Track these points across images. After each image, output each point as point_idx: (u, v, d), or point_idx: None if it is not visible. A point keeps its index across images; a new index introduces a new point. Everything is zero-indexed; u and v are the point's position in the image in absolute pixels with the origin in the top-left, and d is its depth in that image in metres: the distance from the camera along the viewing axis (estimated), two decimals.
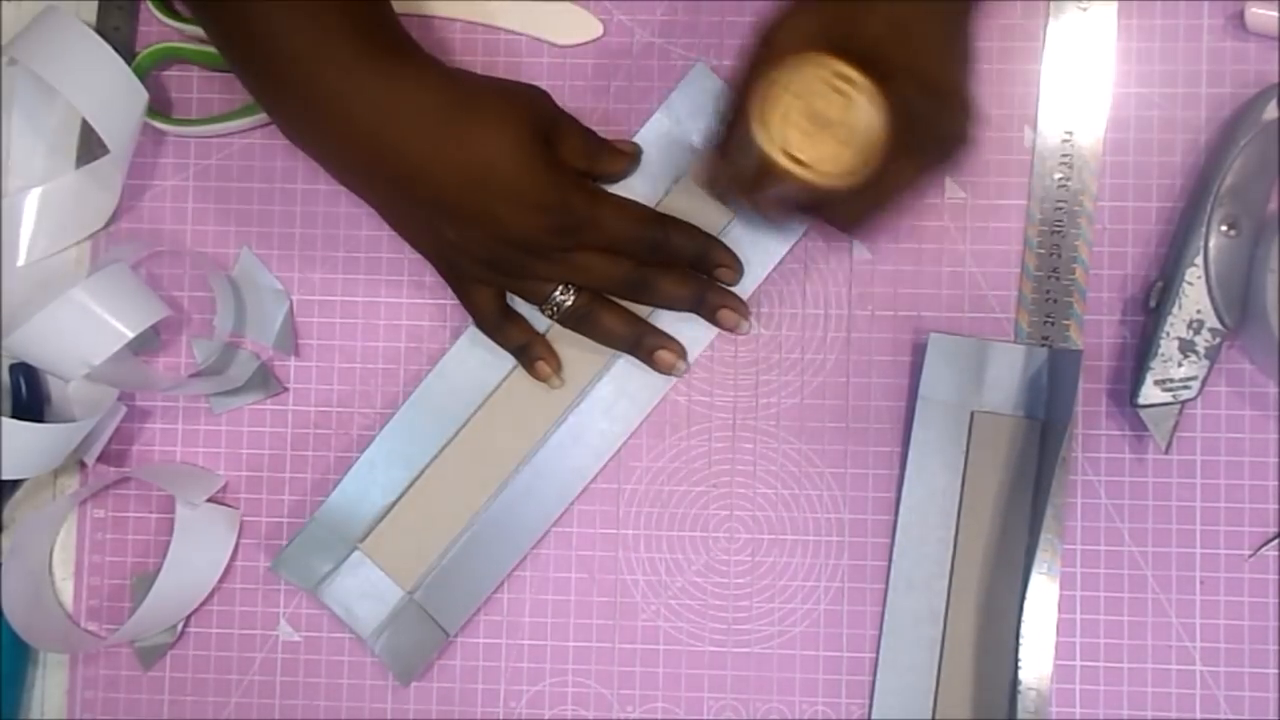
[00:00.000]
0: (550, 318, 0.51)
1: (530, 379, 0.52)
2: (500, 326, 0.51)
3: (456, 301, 0.53)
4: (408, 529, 0.52)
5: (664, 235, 0.50)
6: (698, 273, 0.52)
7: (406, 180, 0.46)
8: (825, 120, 0.41)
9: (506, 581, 0.53)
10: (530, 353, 0.52)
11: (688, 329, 0.52)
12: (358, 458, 0.52)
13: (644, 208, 0.51)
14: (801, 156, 0.41)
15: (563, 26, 0.54)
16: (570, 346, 0.52)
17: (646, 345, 0.51)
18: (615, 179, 0.52)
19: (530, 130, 0.46)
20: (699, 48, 0.53)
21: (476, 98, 0.46)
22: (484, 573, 0.52)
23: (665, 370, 0.52)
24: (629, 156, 0.51)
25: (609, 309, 0.51)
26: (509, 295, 0.51)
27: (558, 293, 0.50)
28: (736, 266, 0.52)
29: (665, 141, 0.52)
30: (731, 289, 0.52)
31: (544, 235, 0.47)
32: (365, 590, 0.52)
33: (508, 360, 0.52)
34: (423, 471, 0.52)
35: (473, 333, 0.52)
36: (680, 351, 0.52)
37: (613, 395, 0.52)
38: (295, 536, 0.52)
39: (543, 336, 0.52)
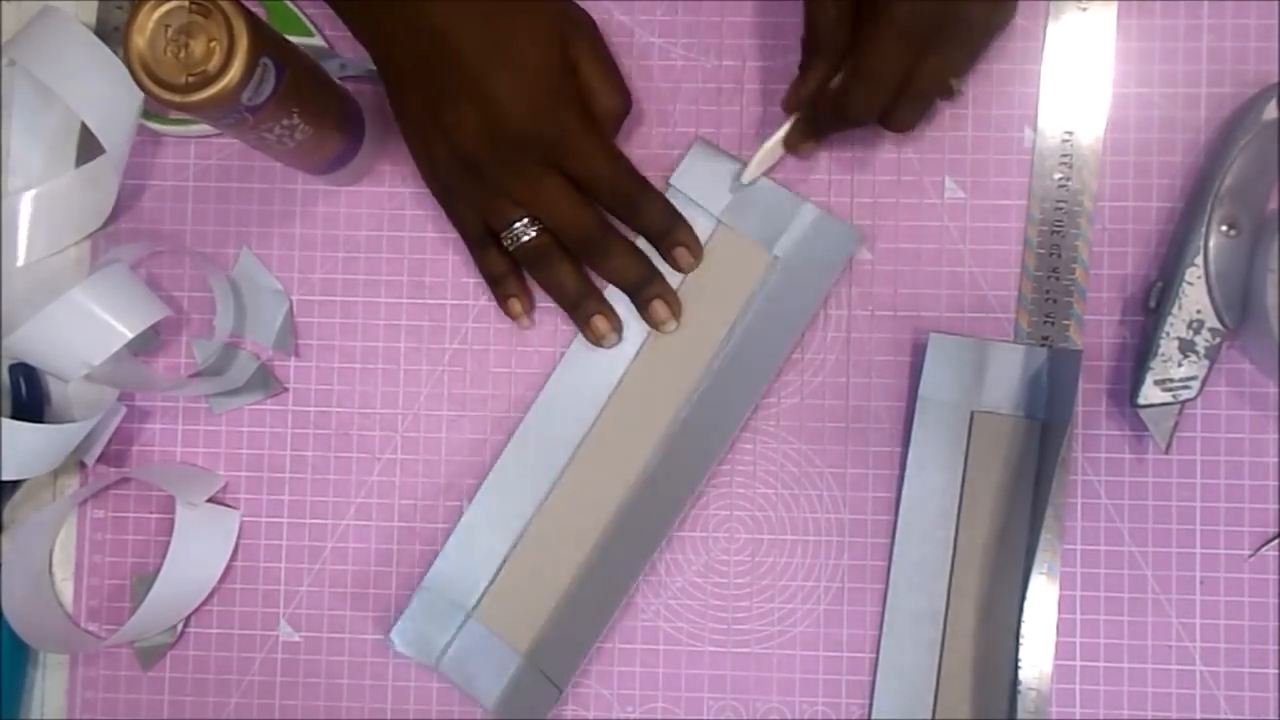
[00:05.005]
0: (509, 248, 0.50)
1: (615, 426, 0.52)
2: (484, 245, 0.51)
3: (457, 302, 0.53)
4: (518, 590, 0.51)
5: (639, 190, 0.50)
6: (646, 256, 0.51)
7: (430, 35, 0.45)
8: None
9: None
10: (505, 287, 0.51)
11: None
12: (456, 523, 0.52)
13: (629, 163, 0.50)
14: None
15: None
16: (647, 381, 0.52)
17: (587, 309, 0.51)
18: (612, 117, 0.50)
19: (561, 38, 0.47)
20: (699, 48, 0.53)
21: None
22: (591, 623, 0.51)
23: (597, 339, 0.51)
24: (628, 99, 0.50)
25: (566, 259, 0.50)
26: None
27: (522, 223, 0.49)
28: (697, 252, 0.52)
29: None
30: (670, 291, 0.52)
31: (529, 137, 0.46)
32: (483, 658, 0.51)
33: (590, 411, 0.52)
34: (524, 531, 0.52)
35: (546, 396, 0.52)
36: (617, 326, 0.51)
37: (697, 430, 0.51)
38: (406, 608, 0.51)
39: (519, 273, 0.51)
